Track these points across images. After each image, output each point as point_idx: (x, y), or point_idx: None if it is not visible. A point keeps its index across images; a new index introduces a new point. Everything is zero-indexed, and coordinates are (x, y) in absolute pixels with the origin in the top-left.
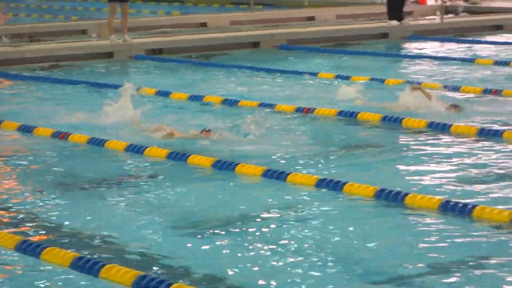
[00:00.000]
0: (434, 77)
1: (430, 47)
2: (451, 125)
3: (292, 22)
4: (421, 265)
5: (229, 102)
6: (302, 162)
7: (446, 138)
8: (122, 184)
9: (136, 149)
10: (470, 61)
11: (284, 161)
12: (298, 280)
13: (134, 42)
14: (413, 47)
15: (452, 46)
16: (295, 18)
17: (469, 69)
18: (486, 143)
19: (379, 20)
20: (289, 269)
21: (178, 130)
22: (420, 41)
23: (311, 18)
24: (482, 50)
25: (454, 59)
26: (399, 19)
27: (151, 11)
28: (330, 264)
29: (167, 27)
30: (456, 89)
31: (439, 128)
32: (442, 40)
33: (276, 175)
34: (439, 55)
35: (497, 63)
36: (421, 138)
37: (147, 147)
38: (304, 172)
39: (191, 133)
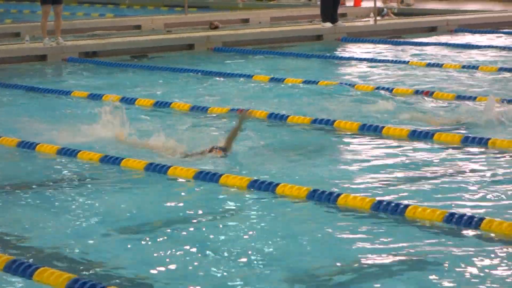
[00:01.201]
0: (368, 78)
1: (364, 49)
2: (383, 127)
3: (227, 24)
4: (354, 265)
5: (161, 104)
6: (234, 163)
7: (378, 140)
8: (55, 187)
9: (68, 153)
10: (403, 62)
11: (216, 163)
12: (231, 283)
13: (67, 45)
14: (347, 49)
15: (386, 47)
16: (229, 21)
17: (402, 71)
18: (418, 145)
19: (313, 22)
20: (220, 270)
21: (180, 147)
22: (354, 43)
23: (246, 21)
24: (416, 52)
25: (388, 61)
26: (333, 21)
27: (85, 13)
28: (259, 265)
29: (101, 29)
30: (389, 90)
31: (371, 130)
32: (376, 42)
33: (208, 177)
34: (372, 56)
35: (430, 64)
36: (353, 140)
37: (79, 151)
38: (236, 173)
39: (201, 152)
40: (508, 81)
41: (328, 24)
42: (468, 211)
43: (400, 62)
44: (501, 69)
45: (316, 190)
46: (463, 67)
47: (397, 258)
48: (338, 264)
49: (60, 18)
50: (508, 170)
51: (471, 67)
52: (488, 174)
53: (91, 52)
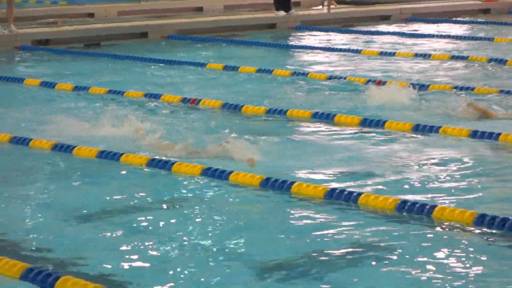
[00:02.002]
0: (321, 67)
1: (318, 38)
2: (335, 115)
3: (181, 12)
4: (307, 253)
5: (115, 93)
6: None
7: (332, 128)
8: (9, 179)
9: (20, 141)
10: (356, 51)
11: (169, 151)
12: (187, 271)
13: (20, 33)
14: (300, 37)
15: (339, 36)
16: (183, 9)
17: (355, 59)
18: (370, 133)
19: (267, 10)
20: (173, 259)
21: (190, 144)
22: (308, 31)
23: (200, 9)
24: (369, 40)
25: (341, 49)
26: (287, 9)
27: (37, 1)
28: (213, 253)
29: (54, 17)
30: (341, 79)
31: (323, 118)
32: (330, 30)
33: (160, 165)
34: (326, 45)
35: (383, 53)
36: (307, 129)
37: (31, 139)
38: (189, 161)
39: (212, 149)
40: (458, 69)
41: (282, 13)
42: (420, 199)
43: (353, 51)
44: (453, 57)
45: (269, 178)
46: (416, 55)
47: (352, 246)
48: (294, 252)
49: (12, 6)
50: (460, 157)
51: (424, 55)
52: (440, 161)
53: (44, 40)
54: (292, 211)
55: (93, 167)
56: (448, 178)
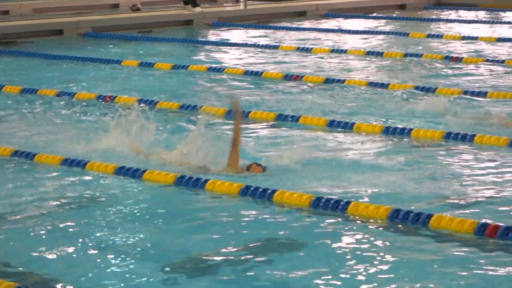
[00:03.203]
0: (238, 63)
1: (234, 34)
2: (250, 112)
3: (97, 9)
4: (222, 250)
5: (28, 91)
6: (100, 149)
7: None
8: None
9: None
10: (273, 47)
11: (81, 149)
12: (96, 269)
13: None
14: (217, 33)
15: (256, 32)
16: (99, 6)
17: (272, 55)
18: (283, 128)
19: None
20: (91, 258)
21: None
22: (225, 27)
23: (116, 6)
24: (285, 36)
25: (258, 45)
26: (194, 4)
27: None
28: (123, 250)
29: None
30: (258, 74)
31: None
32: (246, 26)
33: (75, 163)
34: (243, 41)
35: (300, 49)
36: (221, 127)
37: None
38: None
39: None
40: (375, 65)
41: (198, 9)
42: (336, 195)
43: (270, 46)
44: (369, 53)
45: (183, 177)
46: (332, 51)
47: (266, 242)
48: (206, 249)
49: None
50: (372, 153)
51: (340, 51)
52: (354, 157)
53: None
54: (205, 208)
55: (5, 164)
56: (365, 174)
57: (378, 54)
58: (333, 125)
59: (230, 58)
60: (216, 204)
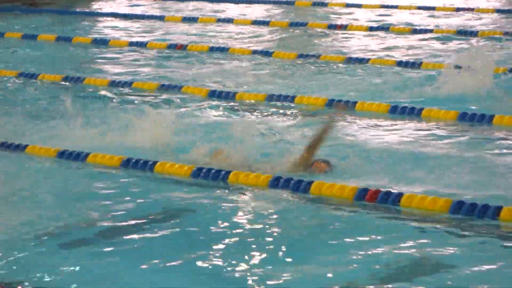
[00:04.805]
0: (122, 34)
1: (119, 5)
2: (182, 86)
3: None
4: (100, 222)
5: None
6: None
7: (127, 97)
8: None
9: None
10: (159, 18)
11: None
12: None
13: None
14: (102, 5)
15: (142, 2)
16: None
17: (158, 26)
18: (215, 103)
19: None
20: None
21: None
22: None
23: None
24: (172, 6)
25: (144, 16)
26: None
27: None
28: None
29: None
30: (143, 45)
31: (121, 85)
32: None
33: (13, 147)
34: (128, 12)
35: (186, 19)
36: (102, 94)
37: None
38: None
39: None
40: (261, 35)
41: None
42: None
43: (155, 17)
44: (255, 22)
45: (65, 151)
46: (219, 20)
47: (150, 213)
48: (85, 220)
49: None
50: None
51: (227, 20)
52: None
53: None
54: (88, 181)
55: None
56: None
57: (265, 23)
58: (214, 95)
59: (114, 29)
60: (101, 177)
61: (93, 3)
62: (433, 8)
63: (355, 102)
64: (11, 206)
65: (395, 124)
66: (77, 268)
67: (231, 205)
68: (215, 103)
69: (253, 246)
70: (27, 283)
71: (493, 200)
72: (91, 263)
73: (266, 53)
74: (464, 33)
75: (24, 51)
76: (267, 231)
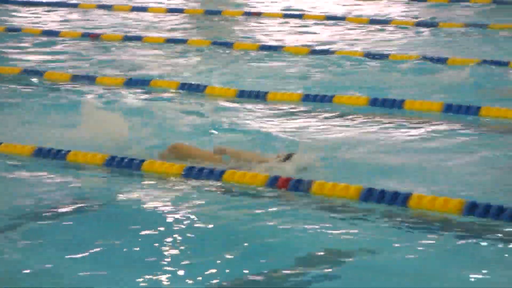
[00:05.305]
0: (36, 21)
1: None
2: (96, 76)
3: None
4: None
5: None
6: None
7: (91, 87)
8: None
9: None
10: (72, 5)
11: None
12: None
13: None
14: None
15: None
16: None
17: (70, 14)
18: (134, 90)
19: None
20: None
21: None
22: None
23: None
24: None
25: (57, 3)
26: None
27: None
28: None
29: None
30: (56, 34)
31: (32, 74)
32: None
33: None
34: (42, 0)
35: (100, 6)
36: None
37: None
38: None
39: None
40: (174, 22)
41: None
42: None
43: (69, 5)
44: (170, 10)
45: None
46: (133, 9)
47: (62, 203)
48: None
49: None
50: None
51: (141, 9)
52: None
53: None
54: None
55: None
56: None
57: (179, 11)
58: (131, 83)
59: (29, 17)
60: (12, 166)
61: None
62: None
63: (266, 92)
64: None
65: (308, 111)
66: None
67: (143, 193)
68: (132, 91)
69: (168, 234)
70: None
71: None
72: (12, 253)
73: (180, 41)
74: (377, 21)
75: None
76: (182, 219)
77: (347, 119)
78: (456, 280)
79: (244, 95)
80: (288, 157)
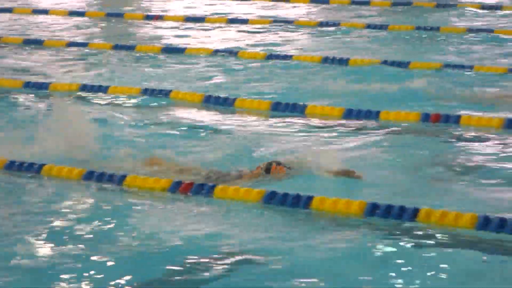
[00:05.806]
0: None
1: None
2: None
3: None
4: None
5: None
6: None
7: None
8: None
9: None
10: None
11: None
12: None
13: None
14: None
15: None
16: None
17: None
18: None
19: None
20: None
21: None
22: None
23: None
24: None
25: None
26: None
27: None
28: None
29: None
30: None
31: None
32: None
33: None
34: None
35: (37, 12)
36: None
37: None
38: None
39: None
40: (76, 25)
41: None
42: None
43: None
44: (72, 13)
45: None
46: (71, 13)
47: None
48: None
49: None
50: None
51: (43, 11)
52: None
53: None
54: None
55: None
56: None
57: (81, 13)
58: (29, 86)
59: None
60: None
61: None
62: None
63: (170, 91)
64: None
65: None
66: None
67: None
68: (30, 95)
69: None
70: None
71: None
72: None
73: (82, 44)
74: (280, 22)
75: None
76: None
77: (247, 119)
78: None
79: (147, 93)
80: (267, 170)
